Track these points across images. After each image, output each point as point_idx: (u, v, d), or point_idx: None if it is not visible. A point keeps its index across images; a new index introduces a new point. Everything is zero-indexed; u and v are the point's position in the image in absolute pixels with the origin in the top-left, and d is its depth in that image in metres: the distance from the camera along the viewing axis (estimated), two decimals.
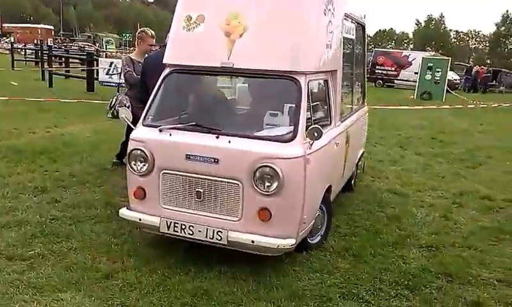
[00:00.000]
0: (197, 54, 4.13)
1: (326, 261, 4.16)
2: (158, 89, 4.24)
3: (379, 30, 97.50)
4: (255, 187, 3.57)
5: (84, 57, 19.61)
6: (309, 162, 3.66)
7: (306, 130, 3.69)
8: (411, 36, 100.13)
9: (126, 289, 3.51)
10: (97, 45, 50.91)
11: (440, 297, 3.66)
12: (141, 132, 4.04)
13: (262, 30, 3.95)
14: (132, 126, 4.29)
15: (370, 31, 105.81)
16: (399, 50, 40.73)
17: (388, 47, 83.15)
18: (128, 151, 4.01)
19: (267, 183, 3.55)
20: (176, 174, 3.83)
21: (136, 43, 6.19)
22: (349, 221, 5.16)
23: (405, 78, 30.58)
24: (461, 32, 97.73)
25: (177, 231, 3.81)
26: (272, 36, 3.93)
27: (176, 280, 3.65)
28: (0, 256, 3.94)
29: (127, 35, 62.69)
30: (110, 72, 15.18)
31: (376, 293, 3.66)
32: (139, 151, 3.92)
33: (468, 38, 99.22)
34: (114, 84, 15.04)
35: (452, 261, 4.30)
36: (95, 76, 16.37)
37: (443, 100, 22.04)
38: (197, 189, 3.76)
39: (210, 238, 3.71)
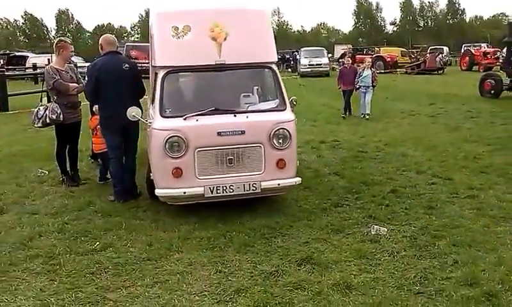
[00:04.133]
0: (191, 56, 5.00)
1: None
2: (162, 88, 4.91)
3: (98, 25, 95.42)
4: (273, 145, 4.86)
5: None
6: (296, 123, 5.15)
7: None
8: (129, 29, 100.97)
9: (213, 242, 4.35)
10: None
11: (367, 197, 5.65)
12: (169, 122, 4.72)
13: (240, 34, 5.11)
14: (144, 121, 4.86)
15: (89, 26, 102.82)
16: (147, 44, 41.99)
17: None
18: (162, 140, 4.63)
19: (281, 141, 4.88)
20: (210, 150, 4.74)
21: (56, 52, 6.10)
22: None
23: None
24: None
25: (220, 193, 4.76)
26: (249, 38, 5.16)
27: (228, 229, 4.61)
28: (86, 253, 4.12)
29: None
30: None
31: (339, 204, 5.39)
32: (175, 138, 4.64)
33: None
34: None
35: (352, 179, 6.40)
36: None
37: None
38: (228, 157, 4.78)
39: (247, 190, 4.82)
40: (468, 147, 8.24)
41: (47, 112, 5.93)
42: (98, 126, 6.18)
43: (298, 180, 5.08)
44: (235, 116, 4.86)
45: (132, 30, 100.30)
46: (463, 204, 5.29)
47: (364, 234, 4.51)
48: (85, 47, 69.49)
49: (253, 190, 4.84)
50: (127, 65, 5.53)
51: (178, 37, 5.02)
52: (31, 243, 4.37)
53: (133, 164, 5.82)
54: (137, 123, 5.54)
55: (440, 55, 32.90)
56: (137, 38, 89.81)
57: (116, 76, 5.40)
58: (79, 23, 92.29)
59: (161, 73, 4.98)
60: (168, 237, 4.47)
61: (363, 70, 12.39)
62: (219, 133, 4.73)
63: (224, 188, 4.77)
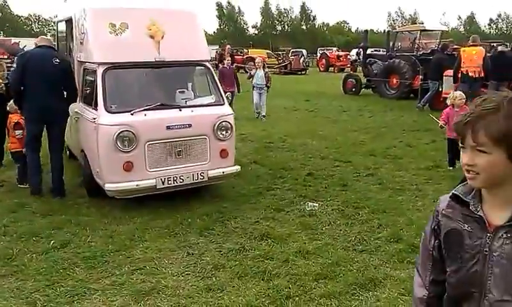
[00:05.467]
0: (131, 52, 5.00)
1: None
2: (103, 84, 4.81)
3: None
4: (217, 136, 5.12)
5: None
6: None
7: None
8: None
9: (172, 229, 4.48)
10: None
11: (290, 180, 6.26)
12: (117, 118, 4.67)
13: (176, 34, 5.25)
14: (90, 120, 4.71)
15: None
16: (7, 38, 37.47)
17: None
18: (112, 135, 4.57)
19: (224, 132, 5.17)
20: (159, 143, 4.81)
21: None
22: None
23: None
24: (23, 16, 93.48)
25: (171, 183, 4.87)
26: (184, 38, 5.32)
27: (183, 217, 4.77)
28: None
29: None
30: None
31: (270, 188, 5.91)
32: (126, 132, 4.62)
33: (30, 22, 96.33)
34: None
35: (272, 166, 6.98)
36: None
37: None
38: (177, 149, 4.91)
39: (195, 180, 5.01)
40: (351, 136, 9.39)
41: None
42: (12, 124, 5.79)
43: (238, 167, 5.42)
44: (180, 110, 5.00)
45: None
46: (367, 181, 6.17)
47: (301, 210, 5.05)
48: None
49: (201, 179, 5.05)
50: (57, 60, 5.27)
51: (116, 34, 4.97)
52: None
53: (60, 160, 5.53)
54: (61, 117, 5.35)
55: (303, 58, 35.68)
56: None
57: (43, 68, 5.18)
58: None
59: (100, 70, 4.87)
60: (126, 230, 4.44)
61: (256, 70, 11.69)
62: (168, 127, 4.83)
63: (175, 179, 4.89)
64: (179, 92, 5.49)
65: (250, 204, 5.22)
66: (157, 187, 4.81)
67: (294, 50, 43.91)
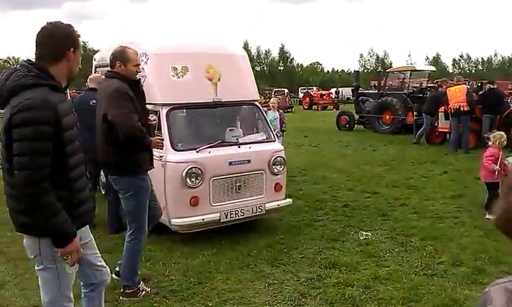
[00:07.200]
0: (192, 94, 5.12)
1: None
2: (168, 124, 4.90)
3: None
4: (272, 171, 5.23)
5: None
6: None
7: None
8: None
9: (242, 261, 4.49)
10: None
11: (331, 212, 6.42)
12: (185, 155, 4.74)
13: (230, 76, 5.41)
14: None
15: None
16: None
17: None
18: (180, 172, 4.63)
19: (278, 167, 5.28)
20: (222, 178, 4.89)
21: None
22: None
23: None
24: (2, 59, 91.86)
25: (233, 217, 4.92)
26: (237, 79, 5.49)
27: (248, 249, 4.82)
28: None
29: None
30: None
31: (315, 220, 6.04)
32: (194, 169, 4.68)
33: (9, 65, 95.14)
34: None
35: (306, 199, 7.10)
36: None
37: None
38: (237, 184, 4.99)
39: (255, 213, 5.07)
40: (366, 168, 9.60)
41: None
42: None
43: (290, 200, 5.52)
44: (239, 147, 5.11)
45: None
46: (403, 211, 6.32)
47: (356, 239, 5.14)
48: None
49: (259, 212, 5.12)
50: (94, 101, 5.32)
51: (178, 77, 5.10)
52: None
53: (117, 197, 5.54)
54: None
55: (288, 96, 36.47)
56: None
57: (84, 112, 5.21)
58: None
59: (164, 110, 4.96)
60: (199, 263, 4.44)
61: (269, 111, 8.56)
62: (230, 163, 4.92)
63: (237, 212, 4.95)
64: (233, 129, 5.61)
65: (304, 235, 5.29)
66: (221, 221, 4.85)
67: (277, 89, 44.85)
